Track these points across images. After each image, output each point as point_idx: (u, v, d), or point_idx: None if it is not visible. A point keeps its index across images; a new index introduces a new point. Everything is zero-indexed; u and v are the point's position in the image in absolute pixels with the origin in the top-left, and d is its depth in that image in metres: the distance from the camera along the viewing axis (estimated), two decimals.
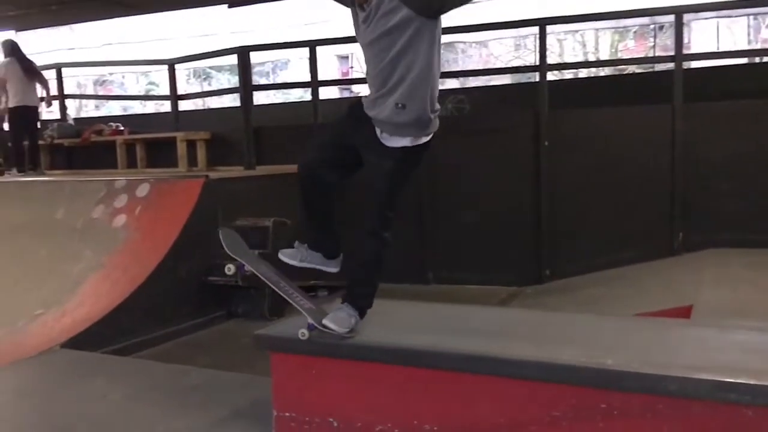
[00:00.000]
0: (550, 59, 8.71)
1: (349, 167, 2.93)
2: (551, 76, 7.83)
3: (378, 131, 2.79)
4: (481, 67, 17.62)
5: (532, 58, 16.81)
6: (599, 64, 16.21)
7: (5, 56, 8.61)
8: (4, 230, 6.41)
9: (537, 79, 7.27)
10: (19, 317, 5.02)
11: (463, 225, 7.14)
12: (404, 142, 2.76)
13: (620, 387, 2.32)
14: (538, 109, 6.95)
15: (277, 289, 3.03)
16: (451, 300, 4.85)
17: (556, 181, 6.91)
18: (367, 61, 2.80)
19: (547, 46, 7.51)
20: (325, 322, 2.79)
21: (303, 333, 2.79)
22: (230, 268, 3.09)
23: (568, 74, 10.60)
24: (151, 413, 3.33)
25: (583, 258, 6.73)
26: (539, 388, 2.43)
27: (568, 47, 18.87)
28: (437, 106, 2.77)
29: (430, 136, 2.80)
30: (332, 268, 3.07)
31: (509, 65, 16.02)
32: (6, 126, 8.85)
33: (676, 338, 2.79)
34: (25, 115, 8.63)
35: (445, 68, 19.84)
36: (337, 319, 2.80)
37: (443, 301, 4.24)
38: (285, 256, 3.03)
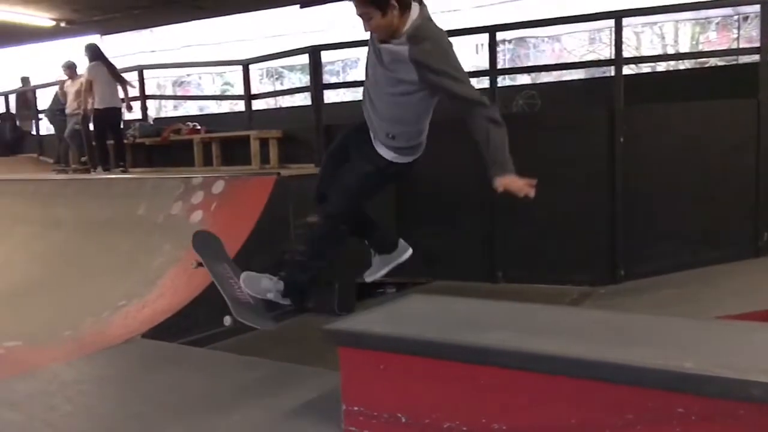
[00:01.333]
0: (626, 53, 8.44)
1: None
2: (627, 70, 7.59)
3: (372, 135, 3.04)
4: (553, 62, 17.26)
5: (607, 52, 16.35)
6: (679, 57, 15.51)
7: (90, 60, 8.96)
8: (92, 225, 6.75)
9: (612, 74, 7.06)
10: (104, 308, 5.28)
11: (534, 223, 7.02)
12: (390, 155, 3.02)
13: (699, 391, 2.23)
14: (613, 104, 6.75)
15: (218, 285, 3.24)
16: (521, 299, 4.77)
17: (632, 178, 6.70)
18: (368, 82, 2.97)
19: (623, 40, 7.28)
20: (242, 275, 3.02)
21: (227, 319, 2.92)
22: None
23: (645, 68, 10.22)
24: (225, 403, 3.44)
25: (660, 258, 6.50)
26: (613, 389, 2.37)
27: (645, 40, 18.24)
28: (423, 137, 3.07)
29: (414, 158, 3.09)
30: (404, 256, 3.24)
31: (583, 59, 15.57)
32: (91, 126, 9.30)
33: (759, 342, 2.66)
34: (110, 116, 9.04)
35: (516, 63, 19.57)
36: (253, 281, 3.06)
37: (512, 300, 4.18)
38: (369, 276, 3.29)
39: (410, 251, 3.21)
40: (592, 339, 2.70)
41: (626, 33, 8.83)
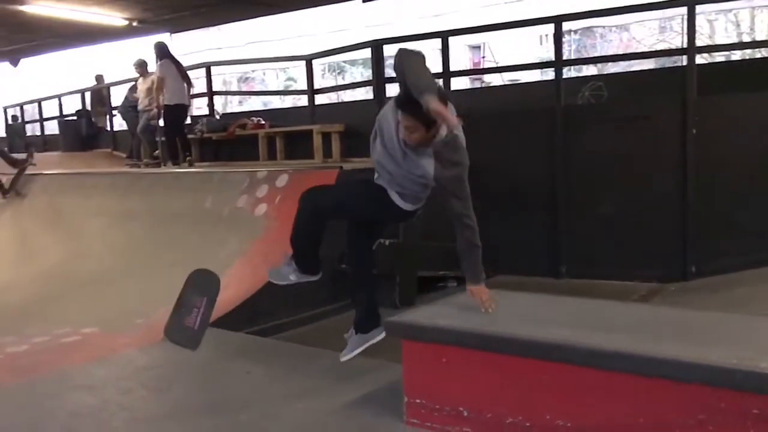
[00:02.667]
0: (699, 41, 8.11)
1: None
2: (700, 59, 7.30)
3: (377, 175, 3.31)
4: (621, 52, 16.77)
5: (678, 41, 15.78)
6: (755, 45, 14.82)
7: (160, 57, 9.21)
8: (162, 218, 6.99)
9: (684, 63, 6.81)
10: (174, 297, 5.45)
11: (601, 217, 6.86)
12: (398, 202, 3.24)
13: None
14: (686, 95, 6.51)
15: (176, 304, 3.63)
16: (586, 295, 4.68)
17: (704, 171, 6.46)
18: (383, 141, 3.14)
19: (696, 28, 7.01)
20: (268, 273, 3.54)
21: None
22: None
23: (719, 57, 9.81)
24: (288, 392, 3.51)
25: (733, 255, 6.24)
26: (683, 389, 2.30)
27: (719, 28, 17.51)
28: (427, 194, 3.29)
29: (416, 208, 3.31)
30: (380, 336, 3.42)
31: (652, 49, 15.07)
32: (161, 122, 9.60)
33: None
34: (180, 113, 9.32)
35: (582, 54, 19.10)
36: (277, 274, 3.48)
37: (577, 296, 4.09)
38: (344, 356, 3.48)
39: (384, 333, 3.40)
40: (662, 336, 2.62)
41: (699, 21, 8.49)
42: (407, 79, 2.87)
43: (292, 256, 3.46)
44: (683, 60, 6.95)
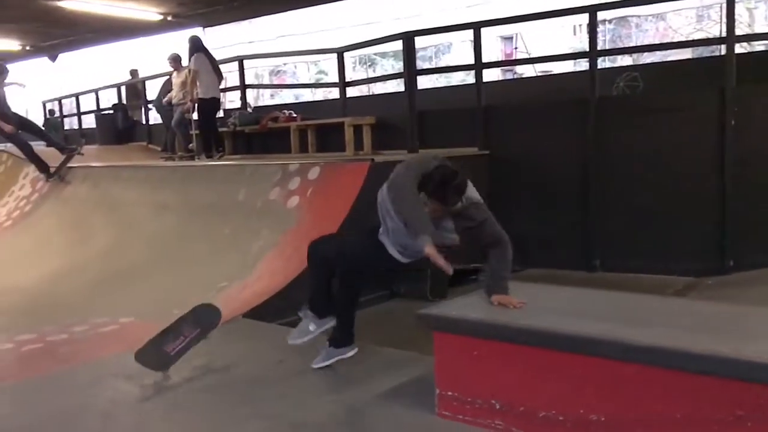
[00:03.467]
0: (739, 30, 7.91)
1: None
2: (739, 48, 7.12)
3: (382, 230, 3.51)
4: (657, 42, 16.45)
5: (716, 30, 15.42)
6: None
7: (193, 51, 9.31)
8: (197, 209, 7.09)
9: (723, 53, 6.65)
10: (208, 288, 5.53)
11: (636, 210, 6.75)
12: (396, 256, 3.48)
13: None
14: (724, 85, 6.36)
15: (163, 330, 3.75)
16: (620, 289, 4.61)
17: (743, 164, 6.31)
18: (393, 222, 3.38)
19: (735, 16, 6.83)
20: (289, 341, 3.72)
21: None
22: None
23: (758, 46, 9.56)
24: (320, 384, 3.54)
25: None
26: (722, 385, 2.26)
27: (759, 16, 17.06)
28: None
29: (412, 260, 3.51)
30: (350, 353, 3.65)
31: (690, 38, 14.75)
32: (195, 116, 9.71)
33: None
34: (213, 106, 9.42)
35: (617, 44, 18.77)
36: (296, 334, 3.69)
37: (611, 290, 4.04)
38: (316, 364, 3.64)
39: (355, 350, 3.64)
40: (699, 331, 2.58)
41: (738, 9, 8.28)
42: (403, 219, 3.18)
43: (308, 306, 3.67)
44: (722, 49, 6.79)
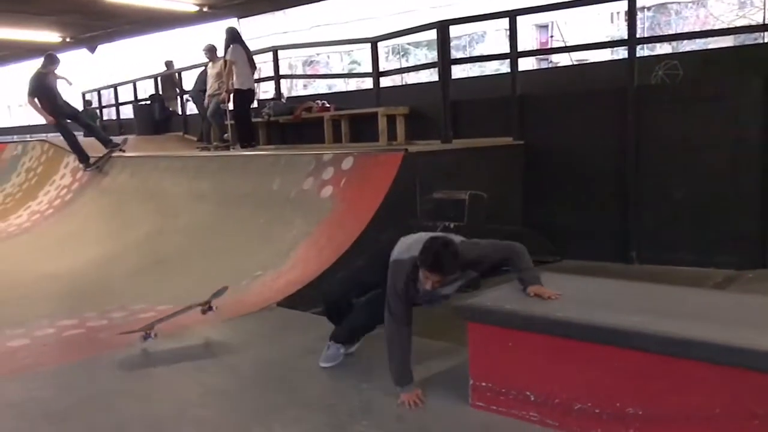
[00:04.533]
0: None
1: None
2: None
3: None
4: (698, 29, 16.05)
5: (759, 17, 14.96)
6: None
7: (230, 42, 9.35)
8: (232, 199, 7.17)
9: (766, 40, 6.46)
10: (243, 277, 5.61)
11: (674, 201, 6.62)
12: None
13: None
14: (767, 73, 6.18)
15: None
16: (658, 281, 4.54)
17: None
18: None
19: None
20: (321, 364, 3.68)
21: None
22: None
23: None
24: (353, 372, 3.57)
25: None
26: (764, 378, 2.21)
27: None
28: None
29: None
30: (352, 348, 3.78)
31: (731, 26, 14.36)
32: (231, 106, 9.80)
33: None
34: (249, 98, 9.48)
35: (656, 32, 18.36)
36: (326, 359, 3.67)
37: (648, 282, 3.98)
38: (324, 362, 3.69)
39: (357, 345, 3.77)
40: (739, 324, 2.52)
41: None
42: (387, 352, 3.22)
43: (332, 338, 3.70)
44: (764, 37, 6.60)
